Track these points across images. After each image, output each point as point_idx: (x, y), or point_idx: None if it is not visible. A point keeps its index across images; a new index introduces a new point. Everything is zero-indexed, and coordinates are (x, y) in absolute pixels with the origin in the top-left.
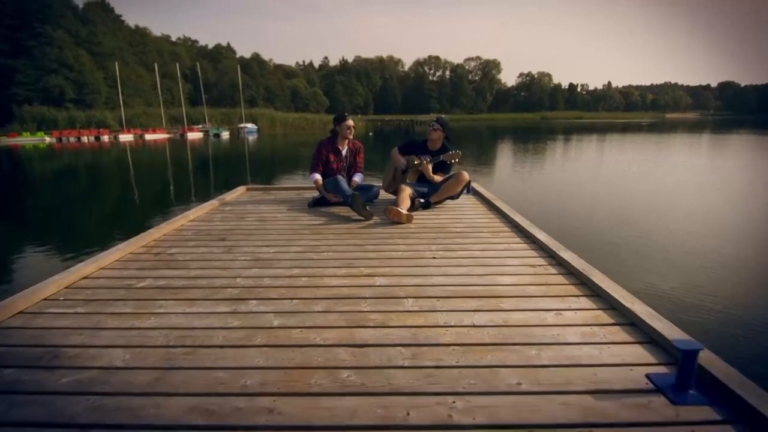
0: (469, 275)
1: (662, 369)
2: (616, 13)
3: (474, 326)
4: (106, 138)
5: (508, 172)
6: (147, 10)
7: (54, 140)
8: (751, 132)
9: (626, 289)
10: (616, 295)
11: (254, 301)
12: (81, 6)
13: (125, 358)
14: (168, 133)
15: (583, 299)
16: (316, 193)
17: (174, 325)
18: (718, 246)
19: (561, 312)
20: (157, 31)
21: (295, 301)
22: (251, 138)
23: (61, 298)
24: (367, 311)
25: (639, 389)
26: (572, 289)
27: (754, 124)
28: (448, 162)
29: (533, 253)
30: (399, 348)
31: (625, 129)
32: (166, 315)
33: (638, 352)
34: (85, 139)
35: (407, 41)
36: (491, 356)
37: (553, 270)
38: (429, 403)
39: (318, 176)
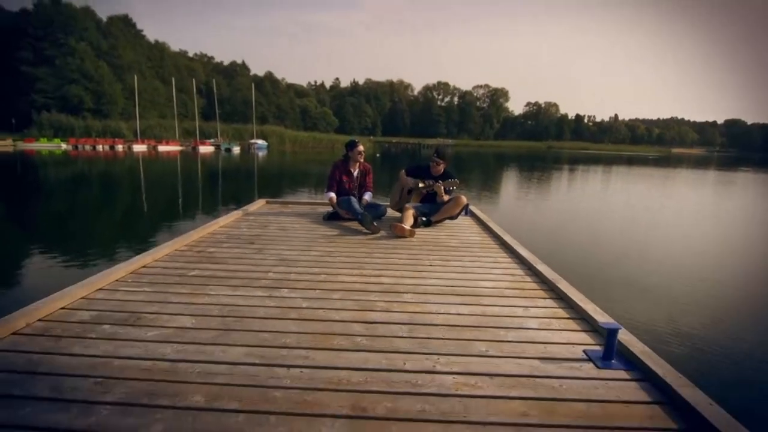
0: (459, 279)
1: (597, 348)
2: (625, 47)
3: (458, 314)
4: (120, 147)
5: (508, 198)
6: (166, 26)
7: (70, 147)
8: (758, 170)
9: (584, 294)
10: (574, 298)
11: (285, 290)
12: (104, 19)
13: (192, 322)
14: (180, 145)
15: (549, 300)
16: (329, 209)
17: (224, 302)
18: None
19: (529, 308)
20: (175, 46)
21: (317, 290)
22: (261, 154)
23: (130, 280)
24: (375, 300)
25: (576, 358)
26: (541, 293)
27: (759, 162)
28: (449, 188)
29: (514, 264)
30: (399, 325)
31: (630, 162)
32: (216, 296)
33: (581, 336)
34: (100, 147)
35: (416, 65)
36: (469, 333)
37: (528, 278)
38: (420, 358)
39: (333, 195)
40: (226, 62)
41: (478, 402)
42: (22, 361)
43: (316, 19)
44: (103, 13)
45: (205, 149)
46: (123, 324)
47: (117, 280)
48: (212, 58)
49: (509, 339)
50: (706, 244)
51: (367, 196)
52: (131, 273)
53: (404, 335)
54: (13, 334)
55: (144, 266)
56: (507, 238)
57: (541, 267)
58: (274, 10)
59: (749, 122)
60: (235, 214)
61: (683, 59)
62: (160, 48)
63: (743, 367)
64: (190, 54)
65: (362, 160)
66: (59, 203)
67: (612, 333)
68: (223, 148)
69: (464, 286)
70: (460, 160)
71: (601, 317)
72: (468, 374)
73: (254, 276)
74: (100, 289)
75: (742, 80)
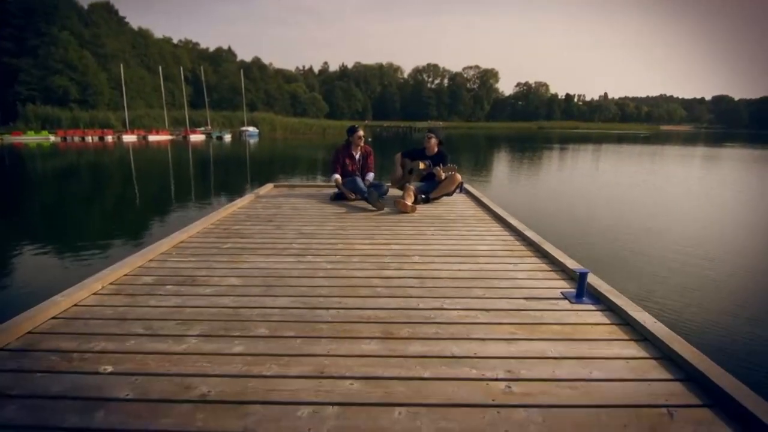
0: (458, 244)
1: (572, 290)
2: (614, 26)
3: (459, 270)
4: (109, 138)
5: (499, 178)
6: (148, 13)
7: (58, 139)
8: (744, 145)
9: (564, 252)
10: (555, 255)
11: (309, 256)
12: (85, 7)
13: (239, 282)
14: (171, 134)
15: (534, 258)
16: (335, 190)
17: (261, 267)
18: (625, 222)
19: (517, 264)
20: (158, 33)
21: (337, 256)
22: (252, 141)
23: (174, 253)
24: (388, 262)
25: (554, 297)
26: (528, 253)
27: (746, 138)
28: (447, 173)
29: (505, 232)
30: (411, 279)
31: (621, 140)
32: (253, 262)
33: (560, 283)
34: (89, 138)
35: (406, 48)
36: (468, 283)
37: (517, 242)
38: (430, 300)
39: (338, 176)
40: (211, 48)
41: (478, 327)
42: (110, 312)
43: (303, 3)
44: (83, 1)
45: (196, 138)
46: (182, 284)
47: (162, 253)
48: (197, 44)
49: (501, 286)
50: (676, 213)
51: (370, 177)
52: (173, 246)
53: (416, 286)
54: (94, 294)
55: (182, 242)
56: (498, 210)
57: (529, 233)
58: None
59: (736, 98)
60: (248, 197)
61: (672, 36)
62: (144, 35)
63: (694, 297)
64: (175, 41)
65: (362, 144)
66: (85, 192)
67: (583, 276)
68: (214, 136)
69: (463, 249)
70: (452, 142)
71: (578, 266)
72: (469, 309)
73: (280, 247)
74: (151, 260)
75: (730, 56)
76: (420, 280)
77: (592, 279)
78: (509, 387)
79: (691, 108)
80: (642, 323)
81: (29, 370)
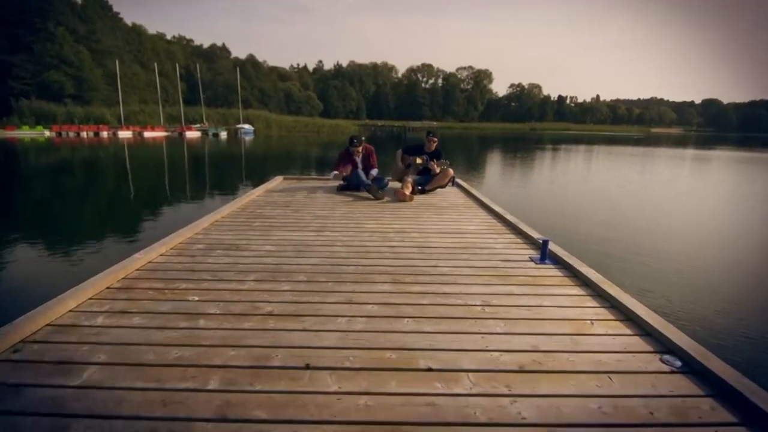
0: (449, 225)
1: (537, 255)
2: (608, 29)
3: (450, 243)
4: (105, 134)
5: (490, 175)
6: (141, 8)
7: (53, 135)
8: (732, 149)
9: (535, 230)
10: (528, 231)
11: (327, 232)
12: (80, 2)
13: (273, 249)
14: (166, 131)
15: (511, 235)
16: (341, 182)
17: (288, 238)
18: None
19: (497, 239)
20: (151, 29)
21: (350, 232)
22: (248, 138)
23: (213, 229)
24: (392, 236)
25: (523, 260)
26: (506, 231)
27: (734, 141)
28: (441, 167)
29: (489, 216)
30: (411, 247)
31: (614, 141)
32: (281, 235)
33: (530, 252)
34: (84, 134)
35: (400, 48)
36: (457, 251)
37: (498, 224)
38: (427, 261)
39: (336, 171)
40: (205, 45)
41: (463, 277)
42: (179, 266)
43: (297, 1)
44: None
45: (192, 134)
46: (228, 249)
47: (204, 228)
48: (191, 40)
49: (483, 253)
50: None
51: (374, 172)
52: (211, 224)
53: (415, 253)
54: (161, 255)
55: (216, 221)
56: (485, 199)
57: (509, 216)
58: None
59: (725, 102)
60: (262, 188)
61: (664, 40)
62: (138, 31)
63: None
64: (168, 37)
65: (360, 151)
66: (100, 185)
67: (545, 243)
68: (210, 133)
69: (453, 228)
70: (445, 142)
71: (541, 236)
72: (456, 267)
73: (301, 225)
74: (196, 233)
75: (720, 60)
76: (418, 248)
77: (554, 248)
78: (483, 309)
79: (681, 111)
80: (585, 274)
81: (129, 310)
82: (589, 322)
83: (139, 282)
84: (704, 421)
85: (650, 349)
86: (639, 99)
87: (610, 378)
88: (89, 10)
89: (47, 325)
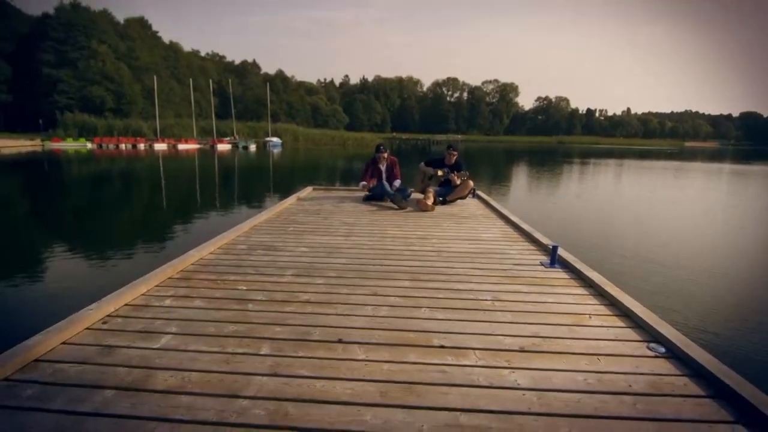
0: (467, 232)
1: (548, 260)
2: (640, 39)
3: (466, 247)
4: (142, 146)
5: (513, 187)
6: (177, 26)
7: (95, 146)
8: None
9: (550, 239)
10: (540, 239)
11: (354, 237)
12: (121, 21)
13: (307, 250)
14: (199, 143)
15: (526, 242)
16: (367, 192)
17: (320, 242)
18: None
19: (512, 245)
20: (186, 46)
21: (375, 237)
22: (276, 151)
23: (253, 233)
24: (413, 242)
25: (535, 265)
26: (521, 239)
27: None
28: (462, 178)
29: (506, 226)
30: (431, 251)
31: (644, 155)
32: (313, 238)
33: (541, 257)
34: (123, 146)
35: (425, 61)
36: (473, 255)
37: (514, 233)
38: (444, 264)
39: (364, 182)
40: (237, 61)
41: (476, 276)
42: (227, 263)
43: (325, 16)
44: (119, 16)
45: (223, 147)
46: (268, 249)
47: (244, 232)
48: (223, 57)
49: (496, 258)
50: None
51: (396, 183)
52: (251, 228)
53: (434, 256)
54: (210, 253)
55: (255, 226)
56: (504, 210)
57: (524, 225)
58: (284, 8)
59: (765, 115)
60: (295, 197)
61: (699, 50)
62: (174, 48)
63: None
64: (202, 53)
65: (386, 158)
66: (147, 194)
67: (554, 249)
68: (240, 146)
69: (470, 236)
70: (470, 155)
71: (550, 242)
72: (471, 268)
73: (331, 230)
74: (238, 235)
75: (759, 71)
76: (437, 252)
77: (564, 254)
78: (493, 303)
79: (718, 124)
80: (589, 276)
81: (190, 295)
82: (587, 316)
83: (195, 274)
84: (675, 393)
85: (639, 338)
86: (672, 112)
87: (598, 359)
88: (130, 29)
89: (125, 305)
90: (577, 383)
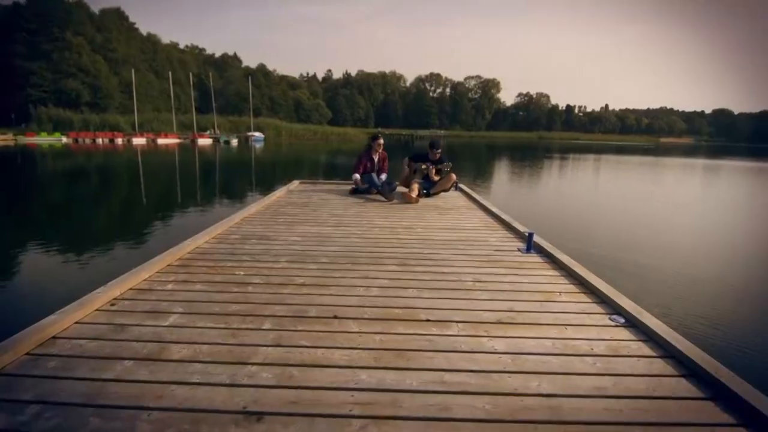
0: (450, 222)
1: (524, 246)
2: (618, 37)
3: (450, 236)
4: (119, 141)
5: (494, 181)
6: (155, 17)
7: (70, 141)
8: (743, 159)
9: (524, 226)
10: (518, 227)
11: (343, 227)
12: (97, 12)
13: (299, 239)
14: (179, 138)
15: (504, 230)
16: (352, 185)
17: (311, 232)
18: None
19: (492, 233)
20: (165, 38)
21: (363, 228)
22: (258, 146)
23: (245, 224)
24: (400, 231)
25: (511, 250)
26: (500, 227)
27: (745, 151)
28: (444, 169)
29: (487, 216)
30: (415, 239)
31: (621, 151)
32: (304, 228)
33: (518, 244)
34: (99, 141)
35: (409, 56)
36: (455, 242)
37: (494, 222)
38: (429, 251)
39: (358, 175)
40: (217, 54)
41: (459, 261)
42: (223, 251)
43: (308, 11)
44: (94, 6)
45: (204, 142)
46: (260, 239)
47: (236, 223)
48: (203, 49)
49: (477, 245)
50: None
51: (384, 176)
52: (242, 219)
53: (419, 244)
54: (205, 242)
55: (245, 217)
56: (485, 202)
57: (505, 216)
58: (268, 3)
59: (736, 112)
60: (282, 190)
61: (675, 48)
62: (152, 40)
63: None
64: (181, 46)
65: (380, 150)
66: (141, 189)
67: (530, 235)
68: (221, 140)
69: (453, 225)
70: (453, 151)
71: (525, 229)
72: (454, 253)
73: (320, 221)
74: (230, 226)
75: (731, 70)
76: (422, 240)
77: (540, 241)
78: (474, 284)
79: (691, 121)
80: (560, 259)
81: (191, 280)
82: (558, 293)
83: (193, 261)
84: (631, 354)
85: (602, 311)
86: (648, 108)
87: (565, 328)
88: (106, 20)
89: (130, 289)
90: (546, 347)
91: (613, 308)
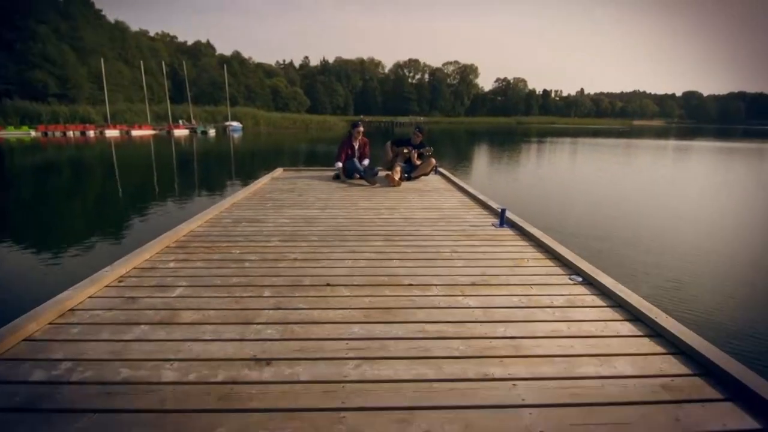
0: (429, 202)
1: (497, 221)
2: (591, 21)
3: (430, 214)
4: (91, 133)
5: (474, 166)
6: (123, 4)
7: (39, 134)
8: (711, 139)
9: (498, 203)
10: (492, 205)
11: (329, 209)
12: (61, 0)
13: (288, 221)
14: (154, 129)
15: (479, 209)
16: (335, 171)
17: (298, 214)
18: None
19: (468, 211)
20: (134, 26)
21: (348, 209)
22: (236, 136)
23: (234, 209)
24: (383, 212)
25: (486, 226)
26: (476, 206)
27: (713, 132)
28: (425, 153)
29: (464, 196)
30: (398, 219)
31: (597, 134)
32: (292, 212)
33: (493, 220)
34: (70, 133)
35: (387, 43)
36: (434, 220)
37: (470, 201)
38: (411, 227)
39: (340, 163)
40: (190, 42)
41: (438, 236)
42: (216, 234)
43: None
44: None
45: (180, 132)
46: (251, 222)
47: (226, 209)
48: (175, 37)
49: (455, 221)
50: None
51: (366, 162)
52: (232, 205)
53: (402, 222)
54: (199, 226)
55: (235, 203)
56: (462, 184)
57: (481, 196)
58: None
59: (705, 94)
60: (267, 177)
61: (647, 32)
62: (120, 28)
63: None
64: (151, 33)
65: (360, 137)
66: (119, 183)
67: (503, 211)
68: (198, 131)
69: (433, 205)
70: (433, 137)
71: (499, 206)
72: (434, 230)
73: (306, 205)
74: (221, 211)
75: (700, 53)
76: (404, 219)
77: (513, 216)
78: (451, 254)
79: (663, 103)
80: (530, 231)
81: (191, 259)
82: (526, 260)
83: (190, 243)
84: (585, 305)
85: (563, 272)
86: (622, 92)
87: (531, 287)
88: (71, 8)
89: (134, 268)
90: (513, 302)
91: (573, 270)
